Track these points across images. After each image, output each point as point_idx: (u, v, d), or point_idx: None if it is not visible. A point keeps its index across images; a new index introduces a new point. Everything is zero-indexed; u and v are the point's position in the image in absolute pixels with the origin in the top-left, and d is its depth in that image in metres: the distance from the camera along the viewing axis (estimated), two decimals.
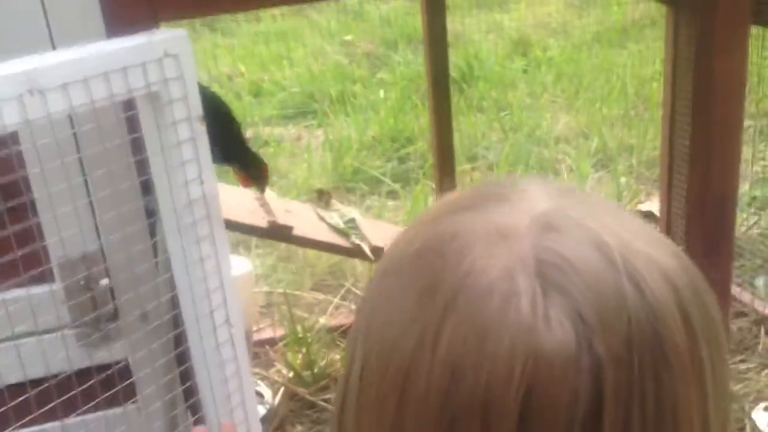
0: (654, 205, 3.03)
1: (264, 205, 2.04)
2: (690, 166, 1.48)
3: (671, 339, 0.40)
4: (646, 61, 4.10)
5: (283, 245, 2.85)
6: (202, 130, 0.97)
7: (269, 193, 2.10)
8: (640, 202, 3.14)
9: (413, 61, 4.48)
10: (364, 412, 0.44)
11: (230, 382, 1.06)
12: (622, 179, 3.24)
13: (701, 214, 1.31)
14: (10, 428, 0.92)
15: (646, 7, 4.71)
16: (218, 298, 1.03)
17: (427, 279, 0.42)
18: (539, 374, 0.39)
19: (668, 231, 2.74)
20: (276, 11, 5.57)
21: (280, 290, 2.60)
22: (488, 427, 0.39)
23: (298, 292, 2.66)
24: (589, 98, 3.90)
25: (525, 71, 4.31)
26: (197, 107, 0.96)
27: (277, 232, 1.93)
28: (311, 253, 2.83)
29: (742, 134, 1.39)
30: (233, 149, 1.84)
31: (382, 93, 4.20)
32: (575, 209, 0.44)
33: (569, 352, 0.39)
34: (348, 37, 5.07)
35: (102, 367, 1.03)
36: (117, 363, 1.05)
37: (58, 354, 1.02)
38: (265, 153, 3.66)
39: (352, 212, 2.17)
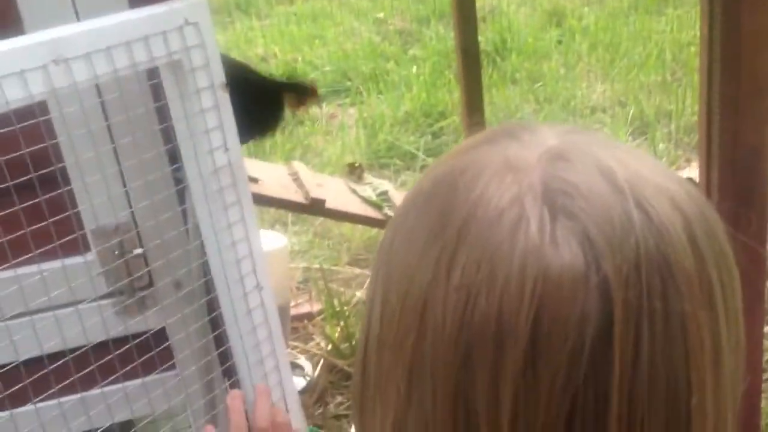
0: (694, 172, 2.97)
1: (297, 179, 2.06)
2: (720, 120, 1.44)
3: (678, 261, 0.40)
4: (685, 25, 4.01)
5: (318, 222, 2.88)
6: (225, 98, 0.98)
7: (301, 168, 2.11)
8: (680, 169, 3.08)
9: (445, 36, 4.45)
10: (385, 352, 0.45)
11: (263, 346, 1.08)
12: (661, 146, 3.18)
13: (732, 168, 1.28)
14: (48, 393, 0.95)
15: None
16: (248, 264, 1.05)
17: (440, 210, 0.43)
18: (548, 295, 0.39)
19: (708, 196, 2.69)
20: None
21: (317, 266, 2.63)
22: (502, 350, 0.40)
23: (335, 267, 2.68)
24: (625, 66, 3.84)
25: (559, 42, 4.25)
26: (219, 75, 0.97)
27: (310, 206, 1.95)
28: (347, 228, 2.85)
29: None
30: (274, 92, 1.86)
31: (414, 69, 4.19)
32: (585, 143, 0.45)
33: (577, 272, 0.39)
34: (380, 15, 5.05)
35: (138, 335, 1.06)
36: (152, 330, 1.07)
37: (94, 323, 1.05)
38: (300, 132, 3.69)
39: (385, 185, 2.18)
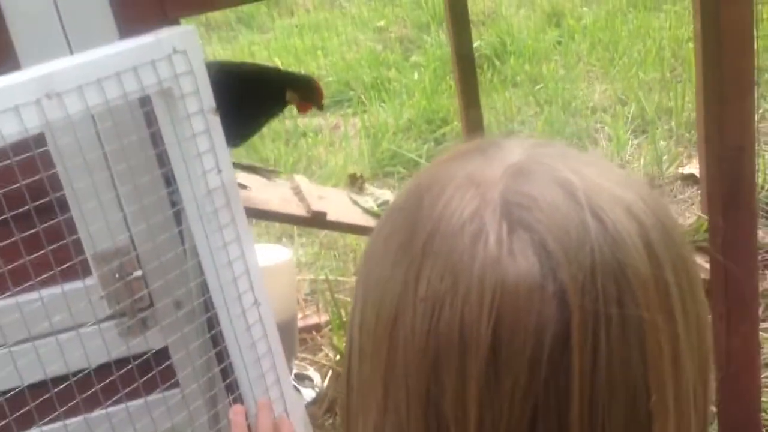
0: (695, 168, 2.98)
1: (298, 193, 2.08)
2: (705, 117, 1.46)
3: (633, 267, 0.42)
4: (683, 21, 4.01)
5: (324, 233, 2.90)
6: (216, 121, 1.01)
7: (303, 181, 2.14)
8: (681, 165, 3.09)
9: (446, 41, 4.47)
10: (365, 362, 0.47)
11: (263, 361, 1.11)
12: (662, 143, 3.19)
13: (719, 166, 1.30)
14: (52, 416, 0.98)
15: None
16: (245, 282, 1.07)
17: (408, 224, 0.46)
18: (506, 304, 0.41)
19: (710, 191, 2.69)
20: (309, 4, 5.63)
21: (323, 277, 2.65)
22: (465, 358, 0.42)
23: (341, 278, 2.70)
24: (625, 64, 3.85)
25: (559, 42, 4.27)
26: (209, 99, 1.00)
27: (312, 219, 1.97)
28: (352, 239, 2.87)
29: (755, 84, 1.37)
30: (274, 88, 1.86)
31: (416, 76, 4.21)
32: (548, 156, 0.47)
33: (533, 281, 0.41)
34: (380, 23, 5.08)
35: (140, 355, 1.08)
36: (154, 350, 1.10)
37: (97, 345, 1.07)
38: (303, 144, 3.72)
39: (386, 195, 2.20)
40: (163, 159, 1.05)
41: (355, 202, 2.08)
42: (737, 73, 1.29)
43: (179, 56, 0.96)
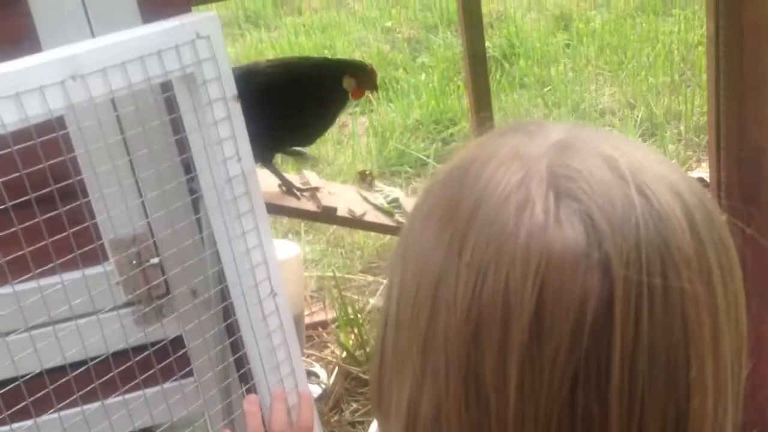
0: (704, 172, 2.97)
1: (309, 189, 2.08)
2: (725, 118, 1.45)
3: (677, 242, 0.42)
4: (692, 25, 4.01)
5: (331, 231, 2.90)
6: (237, 108, 1.01)
7: (313, 177, 2.14)
8: (690, 170, 3.08)
9: (453, 43, 4.47)
10: (402, 331, 0.47)
11: (278, 351, 1.10)
12: (671, 147, 3.19)
13: (738, 166, 1.30)
14: (69, 400, 0.98)
15: None
16: (262, 271, 1.07)
17: (452, 195, 0.46)
18: (551, 271, 0.41)
19: (719, 197, 2.69)
20: (316, 4, 5.63)
21: (330, 274, 2.65)
22: (508, 324, 0.42)
23: (348, 275, 2.70)
24: (634, 68, 3.84)
25: (567, 45, 4.27)
26: (231, 86, 0.99)
27: (322, 214, 1.97)
28: (359, 236, 2.87)
29: None
30: (334, 74, 1.85)
31: (423, 76, 4.21)
32: (590, 136, 0.47)
33: (579, 249, 0.41)
34: (388, 24, 5.08)
35: (156, 342, 1.08)
36: (170, 337, 1.10)
37: (113, 331, 1.07)
38: (315, 145, 3.72)
39: (395, 192, 2.20)
40: (182, 146, 1.04)
41: (365, 199, 2.08)
42: (757, 73, 1.29)
43: (202, 42, 0.95)
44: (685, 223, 0.43)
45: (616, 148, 0.46)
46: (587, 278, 0.41)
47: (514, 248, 0.42)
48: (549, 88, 3.84)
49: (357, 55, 4.68)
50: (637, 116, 3.45)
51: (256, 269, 1.06)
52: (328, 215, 1.99)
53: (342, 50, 4.76)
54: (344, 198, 2.09)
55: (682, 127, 3.32)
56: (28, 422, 0.99)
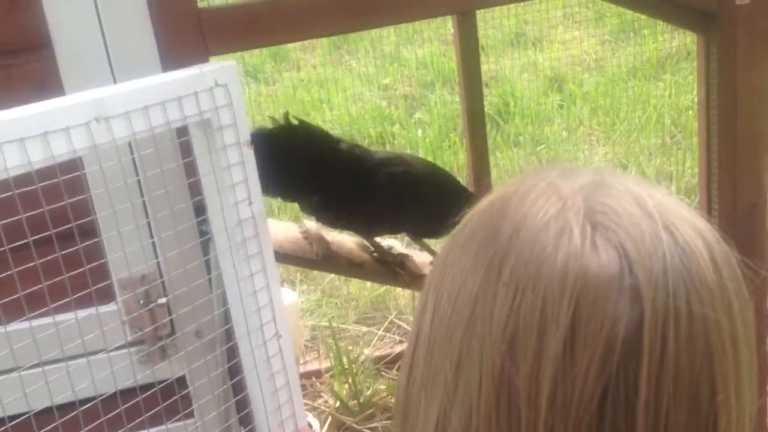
0: None
1: (308, 237, 2.11)
2: (719, 178, 1.50)
3: (701, 274, 0.47)
4: (683, 90, 4.12)
5: (326, 280, 2.91)
6: (250, 154, 1.04)
7: (312, 226, 2.17)
8: None
9: (450, 100, 4.57)
10: (434, 350, 0.51)
11: (280, 393, 1.11)
12: None
13: (732, 224, 1.33)
14: None
15: (682, 41, 4.74)
16: (268, 313, 1.09)
17: (493, 222, 0.50)
18: (587, 290, 0.45)
19: None
20: (315, 60, 5.74)
21: (326, 324, 2.66)
22: (544, 337, 0.45)
23: (342, 326, 2.71)
24: (625, 129, 3.93)
25: (561, 106, 4.36)
26: (245, 132, 1.03)
27: (322, 262, 1.99)
28: (354, 287, 2.89)
29: None
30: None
31: (420, 132, 4.29)
32: (620, 178, 0.52)
33: (613, 273, 0.45)
34: (386, 81, 5.18)
35: (160, 382, 1.09)
36: (169, 379, 1.10)
37: (116, 371, 1.08)
38: None
39: (392, 242, 2.23)
40: (194, 188, 1.08)
41: (366, 248, 2.10)
42: (752, 133, 1.34)
43: (220, 89, 1.00)
44: (707, 257, 0.47)
45: (644, 190, 0.50)
46: (619, 300, 0.45)
47: (552, 269, 0.46)
48: (543, 146, 3.92)
49: (353, 110, 4.76)
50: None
51: (262, 311, 1.08)
52: (328, 264, 2.01)
53: (339, 105, 4.85)
54: (343, 248, 2.11)
55: (673, 188, 3.38)
56: None
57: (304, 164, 1.86)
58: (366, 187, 1.93)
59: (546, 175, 0.52)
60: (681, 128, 3.86)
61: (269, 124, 1.90)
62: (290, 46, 5.73)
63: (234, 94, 1.01)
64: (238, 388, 1.14)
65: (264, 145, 1.83)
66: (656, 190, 0.52)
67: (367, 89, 5.09)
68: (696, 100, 3.71)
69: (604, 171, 0.53)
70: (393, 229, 2.10)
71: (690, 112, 3.76)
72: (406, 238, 2.52)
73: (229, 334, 1.13)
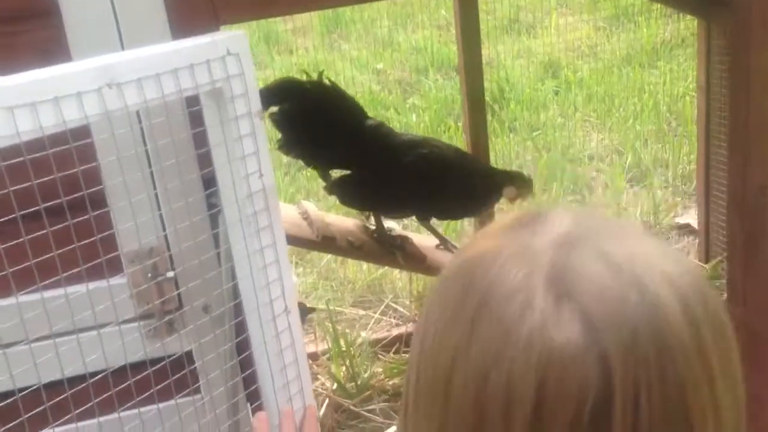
0: (691, 218, 3.03)
1: (307, 218, 2.09)
2: (729, 158, 1.50)
3: (672, 330, 0.46)
4: (678, 78, 4.12)
5: (323, 263, 2.90)
6: (261, 126, 1.02)
7: (311, 207, 2.15)
8: (677, 215, 3.14)
9: (445, 85, 4.54)
10: (419, 417, 0.52)
11: (289, 369, 1.10)
12: (659, 193, 3.24)
13: (741, 206, 1.33)
14: (66, 417, 0.96)
15: (676, 27, 4.74)
16: (277, 288, 1.07)
17: (461, 291, 0.50)
18: (551, 367, 0.45)
19: (707, 242, 2.73)
20: (308, 44, 5.70)
21: (322, 306, 2.64)
22: (510, 416, 0.46)
23: (339, 308, 2.69)
24: (621, 116, 3.92)
25: (556, 93, 4.35)
26: (256, 102, 1.01)
27: (322, 244, 1.98)
28: (350, 270, 2.87)
29: None
30: (498, 182, 2.01)
31: (414, 117, 4.27)
32: (591, 229, 0.51)
33: (578, 345, 0.45)
34: (379, 66, 5.15)
35: (166, 357, 1.07)
36: (180, 352, 1.09)
37: (122, 345, 1.06)
38: (301, 176, 3.73)
39: (391, 224, 2.22)
40: (203, 160, 1.06)
41: (365, 229, 2.09)
42: (764, 115, 1.34)
43: (232, 58, 0.98)
44: (678, 308, 0.46)
45: (615, 241, 0.49)
46: (587, 371, 0.44)
47: (516, 346, 0.46)
48: (538, 132, 3.91)
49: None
50: (626, 162, 3.52)
51: (272, 285, 1.07)
52: (327, 245, 2.00)
53: None
54: (342, 229, 2.10)
55: (669, 174, 3.38)
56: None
57: (329, 129, 1.85)
58: (395, 166, 1.92)
59: (517, 233, 0.51)
60: (676, 115, 3.86)
61: (302, 78, 1.88)
62: (282, 29, 5.69)
63: (246, 64, 0.99)
64: (246, 364, 1.12)
65: (293, 97, 1.83)
66: (628, 233, 0.51)
67: (360, 73, 5.06)
68: (691, 87, 3.71)
69: (578, 217, 0.52)
70: (417, 210, 2.09)
71: (687, 98, 3.76)
72: (403, 220, 2.52)
73: (237, 310, 1.11)
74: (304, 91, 1.86)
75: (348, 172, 2.01)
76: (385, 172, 1.93)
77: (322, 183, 2.10)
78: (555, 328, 0.45)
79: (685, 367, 0.45)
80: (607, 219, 0.54)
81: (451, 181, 1.95)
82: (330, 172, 2.04)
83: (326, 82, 1.90)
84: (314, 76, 1.90)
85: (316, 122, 1.84)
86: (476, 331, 0.47)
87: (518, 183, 2.01)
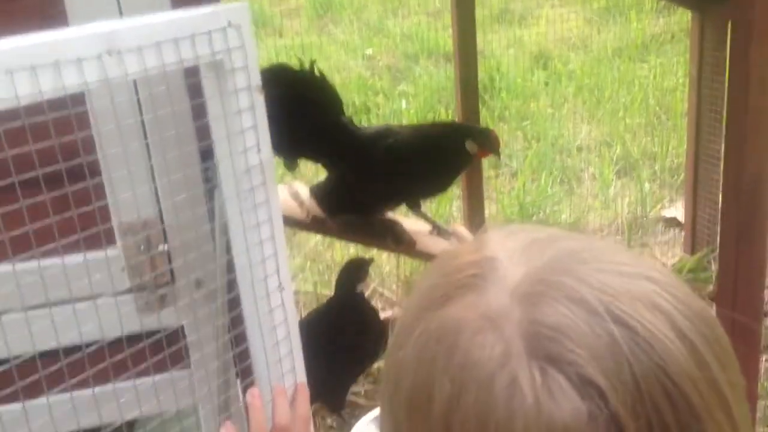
0: (678, 211, 3.05)
1: (297, 198, 2.08)
2: (726, 148, 1.50)
3: (672, 361, 0.41)
4: (668, 73, 4.14)
5: (311, 245, 2.90)
6: (260, 100, 1.01)
7: (302, 188, 2.14)
8: (664, 208, 3.16)
9: (435, 73, 4.54)
10: None
11: (282, 345, 1.10)
12: (646, 185, 3.26)
13: (736, 196, 1.34)
14: (61, 387, 0.96)
15: (666, 22, 4.76)
16: (272, 264, 1.07)
17: (423, 384, 0.43)
18: None
19: (693, 235, 2.76)
20: (298, 27, 5.67)
21: (310, 290, 2.64)
22: None
23: (326, 292, 2.69)
24: (610, 109, 3.94)
25: (546, 84, 4.36)
26: (257, 77, 1.00)
27: (312, 224, 1.97)
28: (338, 254, 2.87)
29: None
30: (457, 142, 1.99)
31: (404, 104, 4.26)
32: (545, 267, 0.45)
33: (581, 416, 0.40)
34: (369, 51, 5.13)
35: (157, 331, 1.06)
36: (173, 327, 1.08)
37: (113, 318, 1.05)
38: None
39: None
40: (200, 133, 1.05)
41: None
42: (762, 105, 1.34)
43: (233, 30, 0.96)
44: (673, 335, 0.42)
45: (580, 279, 0.43)
46: None
47: None
48: (528, 122, 3.92)
49: (337, 80, 4.71)
50: (614, 154, 3.53)
51: (267, 261, 1.06)
52: (317, 225, 2.00)
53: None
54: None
55: (657, 167, 3.40)
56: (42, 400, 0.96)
57: (307, 119, 1.84)
58: (367, 163, 1.92)
59: (467, 299, 0.44)
60: (666, 109, 3.88)
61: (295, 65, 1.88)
62: (272, 11, 5.65)
63: (246, 36, 0.98)
64: (238, 341, 1.12)
65: (283, 83, 1.82)
66: (591, 262, 0.45)
67: (350, 58, 5.04)
68: (681, 81, 3.73)
69: (524, 249, 0.46)
70: (403, 199, 2.10)
71: (677, 92, 3.78)
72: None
73: (230, 285, 1.10)
74: (294, 79, 1.85)
75: (323, 179, 2.02)
76: (359, 171, 1.94)
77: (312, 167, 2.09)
78: (551, 405, 0.39)
79: (695, 393, 0.41)
80: (560, 241, 0.47)
81: (423, 158, 1.94)
82: (297, 161, 2.04)
83: (317, 72, 1.89)
84: (306, 65, 1.88)
85: (297, 111, 1.83)
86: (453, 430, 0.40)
87: (476, 136, 2.01)
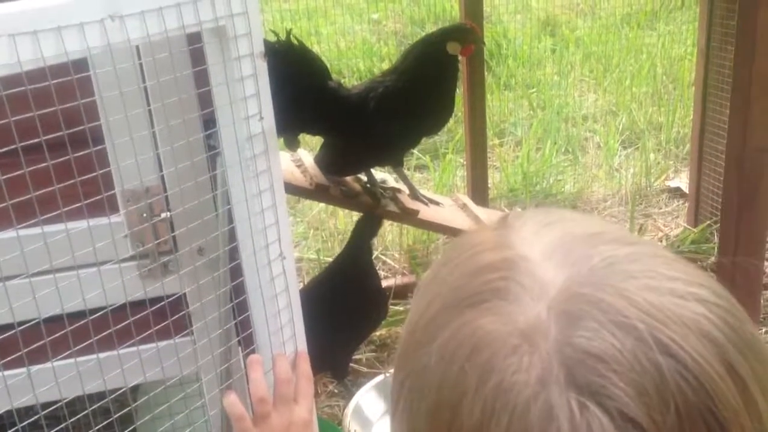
0: (682, 182, 3.04)
1: (301, 165, 2.08)
2: (730, 119, 1.49)
3: (723, 402, 0.39)
4: (676, 41, 4.09)
5: (313, 212, 2.90)
6: (263, 67, 1.00)
7: (305, 155, 2.14)
8: (669, 179, 3.15)
9: None
10: None
11: (282, 314, 1.10)
12: (651, 156, 3.25)
13: (739, 165, 1.33)
14: (66, 353, 0.96)
15: None
16: (273, 232, 1.07)
17: (449, 403, 0.41)
18: None
19: (697, 206, 2.75)
20: None
21: (313, 256, 2.65)
22: None
23: (329, 259, 2.70)
24: (617, 77, 3.91)
25: (553, 51, 4.32)
26: (260, 44, 0.99)
27: (315, 191, 1.97)
28: (341, 221, 2.87)
29: None
30: (437, 44, 1.92)
31: None
32: (587, 280, 0.42)
33: None
34: (375, 15, 5.08)
35: (161, 299, 1.07)
36: (174, 295, 1.09)
37: (116, 285, 1.06)
38: None
39: (382, 175, 2.21)
40: (203, 101, 1.04)
41: (358, 179, 2.08)
42: (766, 76, 1.33)
43: None
44: (723, 369, 0.39)
45: (622, 296, 0.40)
46: None
47: None
48: (534, 90, 3.89)
49: (342, 44, 4.67)
50: (620, 124, 3.51)
51: (269, 230, 1.06)
52: (320, 193, 1.99)
53: (327, 38, 4.75)
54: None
55: (662, 138, 3.38)
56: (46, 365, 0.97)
57: (295, 91, 1.81)
58: (363, 120, 1.90)
59: (501, 310, 0.41)
60: (673, 78, 3.84)
61: (271, 38, 1.85)
62: None
63: (250, 2, 0.97)
64: (240, 309, 1.12)
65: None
66: (633, 275, 0.41)
67: (356, 23, 4.99)
68: (690, 50, 3.69)
69: (561, 260, 0.42)
70: (402, 148, 2.05)
71: (685, 61, 3.74)
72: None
73: (232, 254, 1.11)
74: (272, 52, 1.82)
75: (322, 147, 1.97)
76: (355, 129, 1.91)
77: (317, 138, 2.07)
78: None
79: (736, 425, 0.39)
80: (594, 244, 0.44)
81: (414, 90, 1.90)
82: (297, 139, 2.01)
83: (294, 41, 1.86)
84: (282, 36, 1.86)
85: (282, 85, 1.82)
86: None
87: (457, 35, 1.94)
